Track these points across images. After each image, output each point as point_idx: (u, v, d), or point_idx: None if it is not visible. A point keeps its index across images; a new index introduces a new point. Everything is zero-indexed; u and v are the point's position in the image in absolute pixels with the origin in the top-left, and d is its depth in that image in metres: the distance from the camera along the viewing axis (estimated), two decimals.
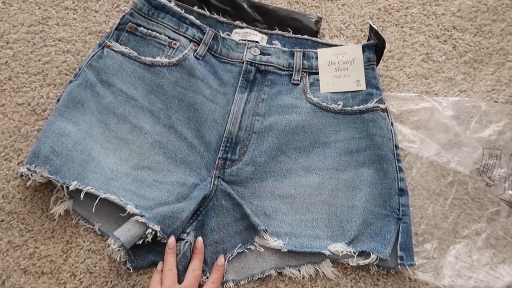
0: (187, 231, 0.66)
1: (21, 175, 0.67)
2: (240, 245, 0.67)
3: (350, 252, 0.67)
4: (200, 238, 0.66)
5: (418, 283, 0.69)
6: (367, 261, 0.67)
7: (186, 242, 0.64)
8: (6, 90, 0.77)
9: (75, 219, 0.69)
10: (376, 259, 0.67)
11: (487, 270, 0.68)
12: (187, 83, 0.74)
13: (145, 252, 0.67)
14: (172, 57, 0.75)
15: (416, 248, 0.70)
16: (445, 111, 0.78)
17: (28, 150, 0.73)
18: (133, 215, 0.64)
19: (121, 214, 0.65)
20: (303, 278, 0.68)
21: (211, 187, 0.69)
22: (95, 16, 0.83)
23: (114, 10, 0.84)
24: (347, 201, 0.71)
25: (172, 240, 0.64)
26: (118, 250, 0.61)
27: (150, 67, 0.75)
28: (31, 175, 0.66)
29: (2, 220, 0.69)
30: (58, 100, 0.72)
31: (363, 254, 0.68)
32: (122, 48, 0.75)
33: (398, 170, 0.72)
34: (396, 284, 0.69)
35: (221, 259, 0.66)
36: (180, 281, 0.63)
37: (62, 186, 0.67)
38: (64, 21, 0.82)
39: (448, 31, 0.88)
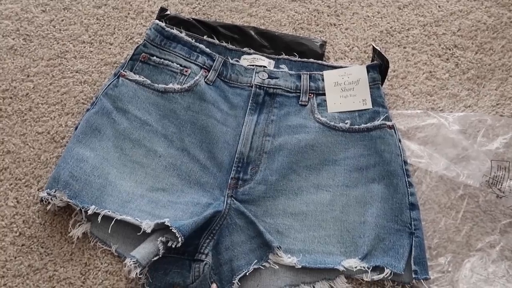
0: (205, 252, 0.67)
1: (41, 200, 0.70)
2: (256, 261, 0.68)
3: (364, 267, 0.68)
4: (214, 286, 0.66)
5: None
6: (381, 276, 0.67)
7: (206, 264, 0.65)
8: (26, 120, 0.80)
9: (92, 241, 0.71)
10: (390, 273, 0.67)
11: (504, 283, 0.68)
12: (198, 107, 0.77)
13: (163, 274, 0.68)
14: (184, 84, 0.79)
15: (430, 262, 0.70)
16: (451, 126, 0.80)
17: (48, 176, 0.76)
18: (149, 234, 0.66)
19: (137, 234, 0.67)
20: None
21: (225, 205, 0.71)
22: (110, 48, 0.88)
23: (128, 42, 0.89)
24: (359, 217, 0.72)
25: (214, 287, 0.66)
26: (134, 267, 0.62)
27: (163, 93, 0.78)
28: (51, 199, 0.68)
29: (23, 245, 0.71)
30: (76, 128, 0.75)
31: (377, 269, 0.68)
32: (136, 77, 0.78)
33: (408, 185, 0.73)
34: None
35: None
36: None
37: (81, 210, 0.69)
38: (81, 54, 0.87)
39: (449, 49, 0.91)
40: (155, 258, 0.64)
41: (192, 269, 0.66)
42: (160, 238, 0.64)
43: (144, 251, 0.64)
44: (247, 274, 0.67)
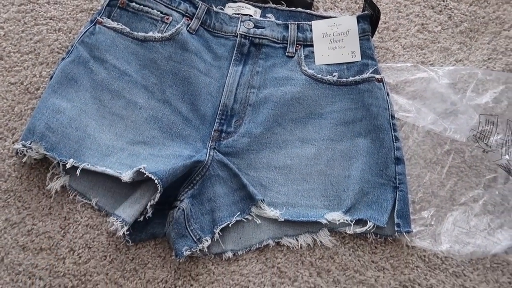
0: (181, 198, 0.66)
1: (17, 153, 0.67)
2: (238, 213, 0.67)
3: (347, 221, 0.67)
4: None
5: (415, 250, 0.69)
6: (364, 229, 0.67)
7: (179, 209, 0.64)
8: None
9: (71, 195, 0.69)
10: (373, 226, 0.67)
11: (485, 236, 0.69)
12: (180, 58, 0.74)
13: (144, 225, 0.67)
14: (165, 32, 0.75)
15: (414, 216, 0.70)
16: (441, 80, 0.78)
17: (23, 129, 0.72)
18: (131, 187, 0.64)
19: (118, 187, 0.66)
20: (301, 247, 0.68)
21: (207, 157, 0.69)
22: None
23: None
24: (344, 171, 0.71)
25: None
26: (121, 226, 0.62)
27: (143, 42, 0.74)
28: (27, 151, 0.66)
29: None
30: (51, 78, 0.71)
31: (360, 222, 0.68)
32: (114, 24, 0.74)
33: (394, 139, 0.72)
34: (394, 252, 0.69)
35: None
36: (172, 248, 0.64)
37: (58, 163, 0.67)
38: None
39: (443, 1, 0.87)
40: (140, 218, 0.64)
41: (168, 216, 0.66)
42: (150, 202, 0.63)
43: (129, 209, 0.63)
44: (230, 226, 0.67)
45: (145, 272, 0.66)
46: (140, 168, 0.63)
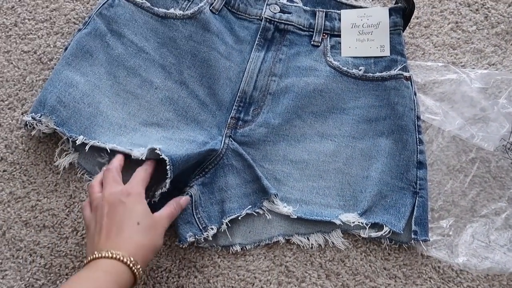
0: (191, 184, 0.63)
1: (26, 125, 0.65)
2: (249, 206, 0.65)
3: (362, 223, 0.65)
4: (188, 198, 0.62)
5: (430, 260, 0.66)
6: (379, 234, 0.64)
7: (187, 194, 0.62)
8: (11, 36, 0.73)
9: (79, 172, 0.67)
10: (389, 232, 0.64)
11: (505, 251, 0.66)
12: (201, 38, 0.70)
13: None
14: (186, 10, 0.71)
15: (431, 224, 0.67)
16: (473, 84, 0.74)
17: (33, 100, 0.70)
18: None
19: (128, 169, 0.63)
20: (312, 247, 0.66)
21: (222, 145, 0.66)
22: None
23: None
24: (362, 171, 0.68)
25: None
26: None
27: (163, 19, 0.71)
28: (36, 124, 0.64)
29: (4, 171, 0.67)
30: (66, 49, 0.69)
31: (376, 226, 0.65)
32: None
33: (418, 142, 0.68)
34: (407, 260, 0.66)
35: (186, 199, 0.61)
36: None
37: (68, 139, 0.64)
38: None
39: None
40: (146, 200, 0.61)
41: None
42: (160, 190, 0.60)
43: None
44: (239, 218, 0.64)
45: None
46: (155, 148, 0.60)
